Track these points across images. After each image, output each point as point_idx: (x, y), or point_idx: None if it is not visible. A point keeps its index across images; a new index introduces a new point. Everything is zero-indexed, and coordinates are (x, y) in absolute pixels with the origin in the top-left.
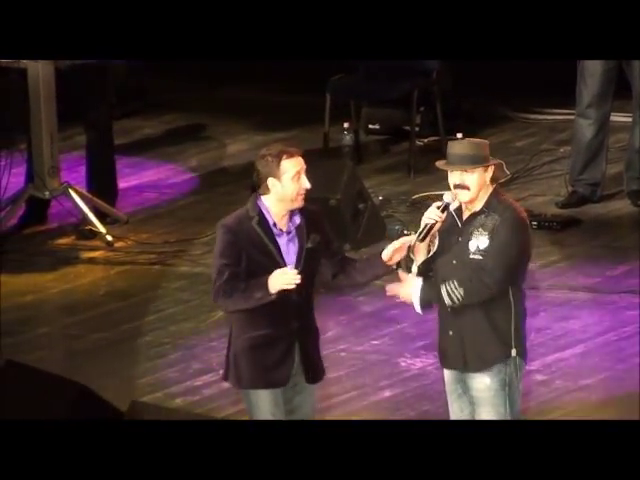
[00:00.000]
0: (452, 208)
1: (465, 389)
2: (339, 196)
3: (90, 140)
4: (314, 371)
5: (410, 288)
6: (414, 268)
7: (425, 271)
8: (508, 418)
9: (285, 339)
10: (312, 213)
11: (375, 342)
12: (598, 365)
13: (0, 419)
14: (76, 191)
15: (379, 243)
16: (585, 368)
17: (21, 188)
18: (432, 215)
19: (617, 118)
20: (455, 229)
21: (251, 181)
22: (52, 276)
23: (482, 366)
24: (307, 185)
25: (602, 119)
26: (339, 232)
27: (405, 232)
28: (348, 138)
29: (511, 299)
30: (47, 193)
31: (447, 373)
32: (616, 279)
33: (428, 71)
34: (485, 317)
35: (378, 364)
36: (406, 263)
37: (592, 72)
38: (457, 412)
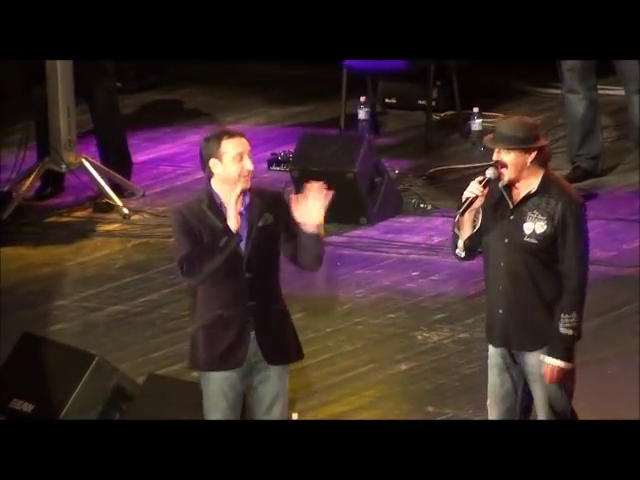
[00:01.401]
0: (501, 185)
1: (510, 365)
2: (355, 170)
3: (95, 117)
4: (275, 353)
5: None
6: (460, 243)
7: (471, 247)
8: (559, 394)
9: (239, 320)
10: (270, 195)
11: (391, 315)
12: (614, 339)
13: (18, 391)
14: (93, 164)
15: (395, 217)
16: (601, 341)
17: (37, 161)
18: (473, 189)
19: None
20: (505, 207)
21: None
22: (69, 249)
23: (536, 345)
24: (250, 167)
25: (590, 92)
26: (355, 206)
27: (422, 205)
28: (365, 112)
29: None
30: (64, 166)
31: (492, 348)
32: (632, 252)
33: None
34: (537, 295)
35: (394, 337)
36: (452, 239)
37: None
38: (497, 387)
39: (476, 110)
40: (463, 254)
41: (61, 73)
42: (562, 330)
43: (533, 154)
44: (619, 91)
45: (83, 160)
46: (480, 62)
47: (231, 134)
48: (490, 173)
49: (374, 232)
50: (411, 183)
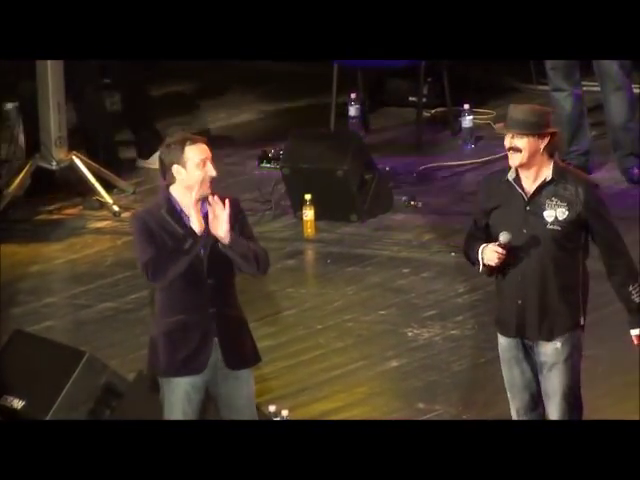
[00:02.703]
0: (510, 178)
1: (526, 355)
2: (346, 167)
3: (82, 114)
4: (237, 358)
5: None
6: (478, 267)
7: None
8: (573, 384)
9: (201, 326)
10: (228, 202)
11: (382, 312)
12: (606, 336)
13: (8, 389)
14: (83, 161)
15: (385, 214)
16: (592, 339)
17: (27, 158)
18: (492, 258)
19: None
20: (518, 199)
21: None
22: (59, 246)
23: (554, 335)
24: (213, 173)
25: (576, 88)
26: (346, 203)
27: (412, 203)
28: (355, 109)
29: (580, 267)
30: (54, 163)
31: (505, 340)
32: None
33: None
34: (558, 283)
35: (385, 334)
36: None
37: None
38: (517, 377)
39: (467, 107)
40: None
41: (51, 69)
42: (637, 299)
43: (546, 140)
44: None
45: (73, 157)
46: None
47: (194, 140)
48: (503, 238)
49: (365, 229)
50: (402, 180)
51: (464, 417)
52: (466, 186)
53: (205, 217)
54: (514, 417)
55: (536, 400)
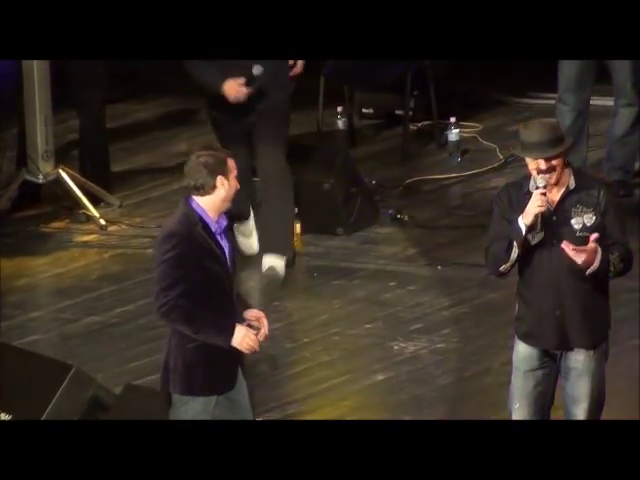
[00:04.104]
0: (532, 189)
1: (544, 365)
2: (332, 180)
3: (83, 124)
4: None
5: None
6: (513, 256)
7: (516, 262)
8: (602, 388)
9: None
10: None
11: (368, 326)
12: None
13: None
14: (70, 175)
15: (371, 227)
16: None
17: (14, 172)
18: (540, 202)
19: (602, 102)
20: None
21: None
22: (45, 260)
23: (596, 341)
24: (238, 186)
25: (581, 105)
26: (332, 216)
27: (398, 216)
28: (342, 122)
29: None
30: (41, 177)
31: (527, 350)
32: None
33: None
34: (593, 292)
35: (371, 347)
36: (507, 253)
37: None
38: (531, 387)
39: (453, 120)
40: (508, 269)
41: (38, 82)
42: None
43: (568, 152)
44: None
45: (60, 171)
46: (458, 72)
47: (229, 154)
48: (541, 182)
49: (351, 243)
50: (388, 194)
51: None
52: (452, 199)
53: (225, 229)
54: None
55: (544, 412)
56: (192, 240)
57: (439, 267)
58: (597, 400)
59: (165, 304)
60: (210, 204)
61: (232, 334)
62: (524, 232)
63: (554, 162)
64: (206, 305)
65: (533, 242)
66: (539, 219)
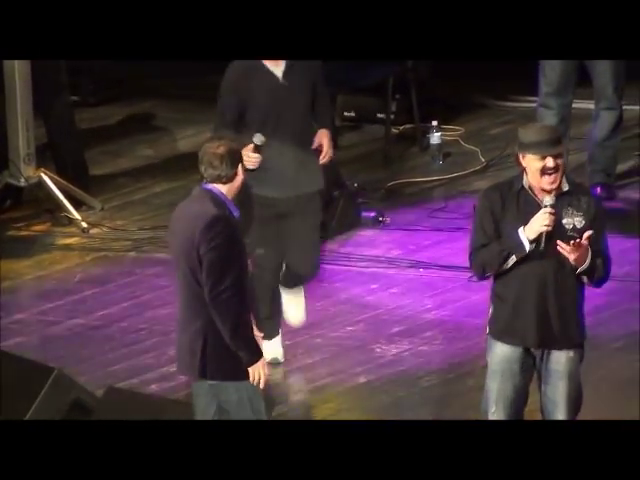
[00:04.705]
0: (526, 186)
1: (523, 367)
2: None
3: (49, 129)
4: None
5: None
6: (508, 265)
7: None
8: (579, 390)
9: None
10: None
11: (350, 328)
12: None
13: None
14: (51, 178)
15: (354, 230)
16: None
17: None
18: (546, 221)
19: (582, 105)
20: (536, 209)
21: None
22: (27, 262)
23: (573, 343)
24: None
25: (564, 109)
26: None
27: (380, 219)
28: None
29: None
30: (22, 180)
31: (505, 350)
32: None
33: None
34: (575, 293)
35: (353, 350)
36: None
37: (551, 62)
38: (509, 389)
39: (435, 123)
40: (493, 271)
41: (19, 86)
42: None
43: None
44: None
45: (42, 174)
46: (440, 75)
47: (239, 142)
48: (549, 200)
49: (333, 245)
50: (370, 196)
51: None
52: (434, 202)
53: None
54: None
55: (519, 414)
56: (232, 226)
57: (421, 269)
58: (576, 402)
59: (221, 293)
60: (230, 192)
61: (260, 356)
62: (527, 248)
63: (559, 161)
64: (245, 297)
65: (530, 253)
66: (543, 236)
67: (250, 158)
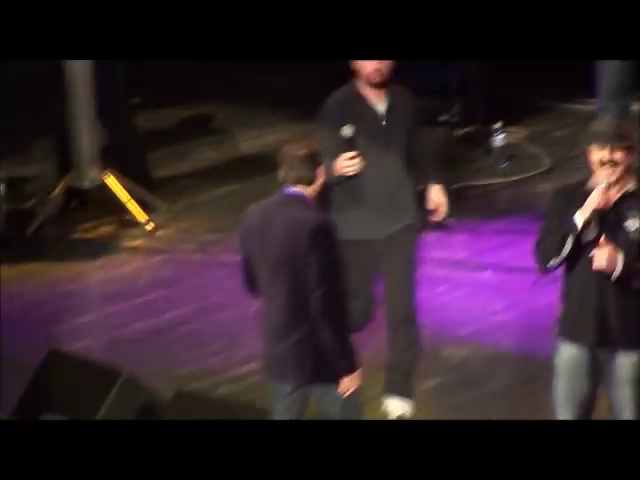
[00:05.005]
0: (593, 187)
1: (591, 369)
2: None
3: (112, 132)
4: None
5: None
6: (564, 253)
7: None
8: None
9: None
10: None
11: None
12: None
13: (45, 409)
14: (116, 180)
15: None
16: None
17: (60, 177)
18: (600, 198)
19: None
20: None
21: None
22: (93, 265)
23: (630, 345)
24: None
25: (622, 112)
26: None
27: (445, 221)
28: None
29: None
30: (87, 182)
31: (572, 350)
32: None
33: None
34: (637, 294)
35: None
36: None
37: (609, 64)
38: (577, 391)
39: (499, 125)
40: (557, 264)
41: (82, 88)
42: None
43: (636, 153)
44: None
45: (106, 176)
46: (503, 77)
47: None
48: (603, 180)
49: None
50: None
51: None
52: (499, 204)
53: None
54: None
55: (587, 416)
56: (335, 232)
57: (488, 271)
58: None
59: (332, 299)
60: (312, 194)
61: (358, 366)
62: (580, 227)
63: (618, 156)
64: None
65: (586, 239)
66: (595, 215)
67: (346, 162)
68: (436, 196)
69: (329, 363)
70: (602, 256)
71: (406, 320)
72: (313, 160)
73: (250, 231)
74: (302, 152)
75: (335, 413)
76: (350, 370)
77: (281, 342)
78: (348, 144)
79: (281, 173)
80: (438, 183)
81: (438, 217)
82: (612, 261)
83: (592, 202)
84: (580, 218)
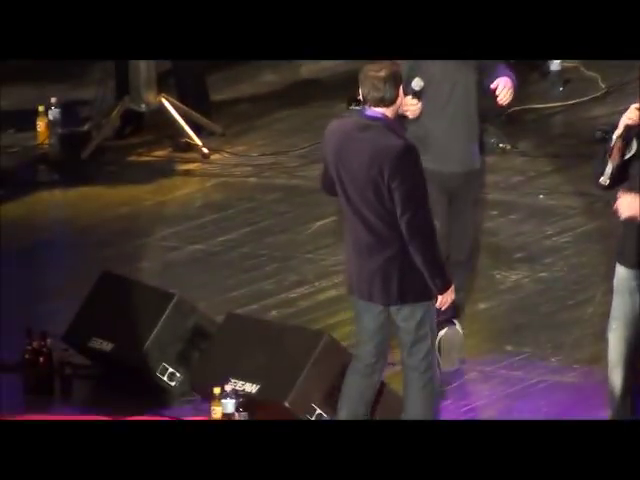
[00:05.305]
0: None
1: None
2: None
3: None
4: None
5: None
6: (608, 170)
7: (617, 176)
8: None
9: None
10: None
11: None
12: None
13: (98, 331)
14: (172, 103)
15: None
16: None
17: (115, 101)
18: (631, 115)
19: None
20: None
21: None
22: (148, 188)
23: None
24: None
25: None
26: None
27: (500, 145)
28: None
29: None
30: (143, 106)
31: (624, 270)
32: None
33: None
34: None
35: (473, 277)
36: (598, 166)
37: None
38: (627, 310)
39: None
40: (607, 182)
41: None
42: None
43: None
44: None
45: (162, 99)
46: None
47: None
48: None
49: None
50: (491, 123)
51: (552, 359)
52: (554, 128)
53: None
54: (612, 350)
55: (637, 339)
56: (419, 155)
57: (541, 196)
58: None
59: (421, 220)
60: (393, 115)
61: (451, 283)
62: (613, 142)
63: None
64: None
65: (627, 156)
66: (630, 132)
67: (409, 105)
68: (502, 83)
69: (414, 285)
70: (624, 204)
71: (467, 260)
72: (395, 80)
73: (330, 149)
74: (384, 73)
75: (409, 329)
76: (446, 287)
77: (369, 262)
78: (415, 96)
79: (362, 93)
80: (506, 75)
81: (503, 101)
82: (634, 208)
83: (624, 118)
84: (614, 135)
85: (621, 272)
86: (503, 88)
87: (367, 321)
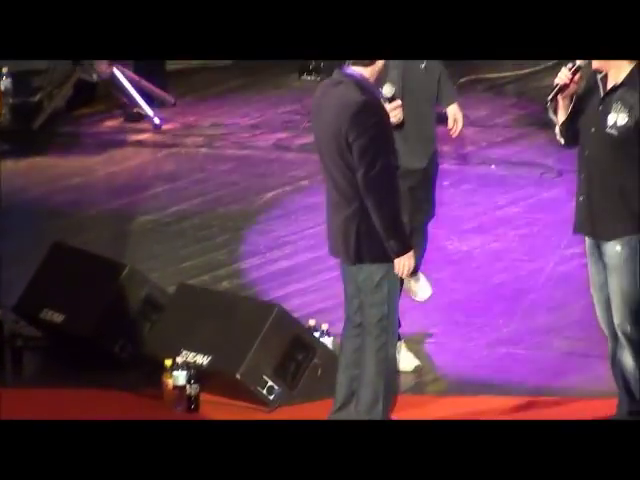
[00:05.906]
0: (599, 77)
1: (600, 255)
2: None
3: None
4: None
5: None
6: (556, 129)
7: (569, 134)
8: (632, 288)
9: None
10: None
11: None
12: None
13: (48, 302)
14: (124, 73)
15: None
16: None
17: (68, 71)
18: (561, 76)
19: None
20: (597, 97)
21: None
22: (99, 158)
23: (612, 236)
24: None
25: None
26: None
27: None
28: None
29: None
30: (95, 76)
31: (586, 238)
32: None
33: None
34: (616, 186)
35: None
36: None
37: None
38: (593, 274)
39: None
40: (562, 140)
41: None
42: None
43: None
44: None
45: (114, 69)
46: None
47: None
48: (574, 62)
49: None
50: None
51: (504, 330)
52: (506, 99)
53: None
54: (598, 315)
55: (608, 301)
56: (380, 111)
57: (493, 166)
58: (627, 301)
59: (374, 177)
60: (372, 75)
61: (410, 247)
62: (549, 98)
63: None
64: (396, 185)
65: (565, 115)
66: (564, 91)
67: (390, 111)
68: (453, 113)
69: (372, 245)
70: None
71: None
72: None
73: (312, 109)
74: None
75: (367, 292)
76: (401, 251)
77: (335, 219)
78: (388, 101)
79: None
80: (454, 102)
81: (455, 133)
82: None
83: (556, 80)
84: (548, 97)
85: (586, 239)
86: (454, 124)
87: (345, 279)
